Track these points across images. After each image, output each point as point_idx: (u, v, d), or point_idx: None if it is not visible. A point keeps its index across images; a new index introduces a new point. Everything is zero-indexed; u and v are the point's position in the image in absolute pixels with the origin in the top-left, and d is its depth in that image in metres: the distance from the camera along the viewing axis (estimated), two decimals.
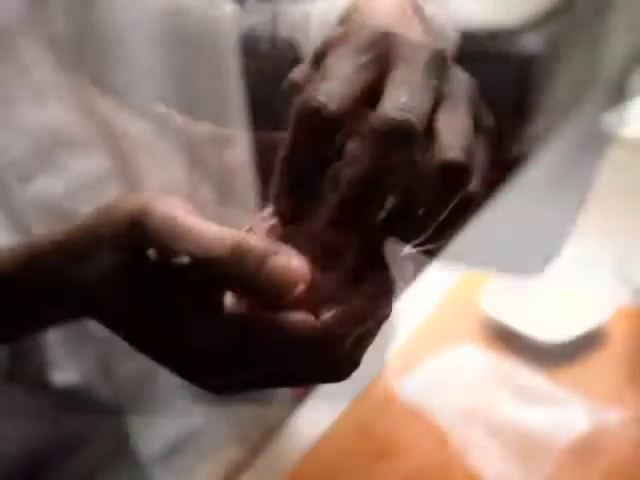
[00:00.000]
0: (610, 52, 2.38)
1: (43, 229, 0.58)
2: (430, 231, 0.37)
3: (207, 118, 0.73)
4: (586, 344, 0.81)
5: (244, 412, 0.83)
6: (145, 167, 0.67)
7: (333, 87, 0.34)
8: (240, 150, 0.77)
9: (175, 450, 0.77)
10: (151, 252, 0.35)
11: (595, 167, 1.23)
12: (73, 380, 0.66)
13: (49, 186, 0.60)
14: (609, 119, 1.35)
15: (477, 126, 0.37)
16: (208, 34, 0.71)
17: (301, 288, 0.34)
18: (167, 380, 0.74)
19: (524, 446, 0.70)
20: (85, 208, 0.60)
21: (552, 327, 0.81)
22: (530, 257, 0.99)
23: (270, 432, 0.86)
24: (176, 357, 0.38)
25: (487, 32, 1.00)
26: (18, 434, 0.68)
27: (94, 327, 0.65)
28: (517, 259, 0.99)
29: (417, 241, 0.37)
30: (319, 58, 0.40)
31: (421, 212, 0.35)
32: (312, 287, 0.35)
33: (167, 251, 0.35)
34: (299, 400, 0.93)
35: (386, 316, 0.38)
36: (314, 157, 0.35)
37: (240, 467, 0.81)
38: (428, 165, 0.34)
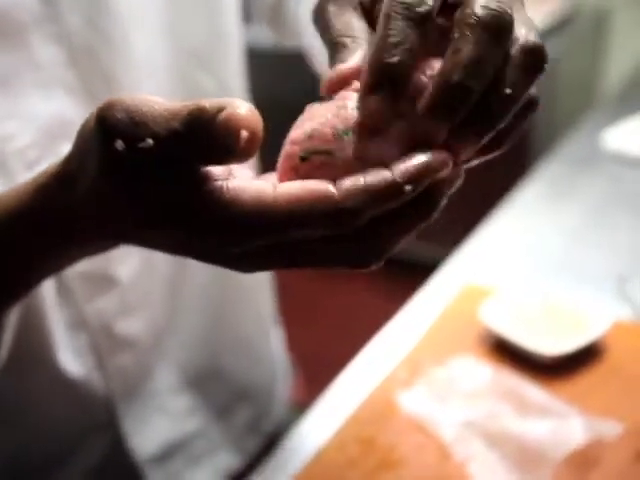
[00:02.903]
0: (610, 69, 2.39)
1: None
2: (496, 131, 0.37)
3: None
4: (584, 358, 0.82)
5: (240, 418, 0.83)
6: None
7: None
8: None
9: (170, 453, 0.77)
10: (118, 144, 0.35)
11: (595, 182, 1.24)
12: (71, 370, 0.67)
13: None
14: (609, 135, 1.36)
15: None
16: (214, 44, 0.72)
17: (244, 135, 0.34)
18: (162, 380, 0.76)
19: (523, 458, 0.71)
20: None
21: (551, 340, 0.82)
22: (530, 270, 1.01)
23: (266, 440, 0.86)
24: (186, 242, 0.38)
25: None
26: (14, 439, 0.69)
27: (89, 316, 0.66)
28: (517, 271, 1.01)
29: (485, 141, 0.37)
30: None
31: (505, 98, 0.36)
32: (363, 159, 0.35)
33: (131, 137, 0.35)
34: (297, 409, 0.93)
35: (425, 212, 0.37)
36: (409, 53, 0.35)
37: (235, 474, 0.82)
38: (510, 52, 0.36)
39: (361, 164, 0.36)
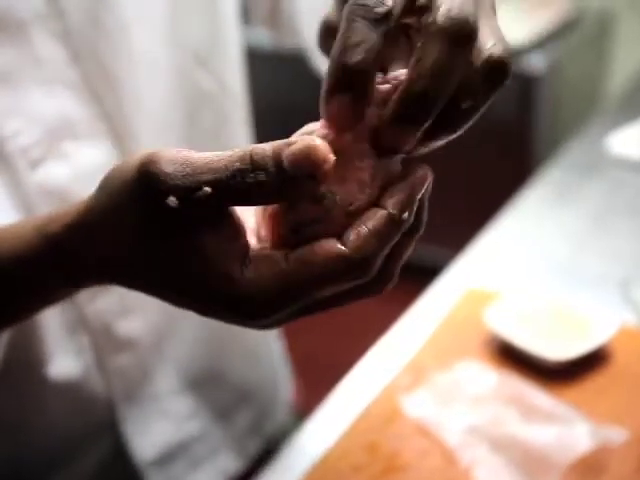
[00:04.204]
0: (613, 73, 2.39)
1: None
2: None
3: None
4: (590, 363, 0.82)
5: (241, 420, 0.83)
6: None
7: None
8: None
9: (171, 456, 0.77)
10: (170, 200, 0.35)
11: (599, 187, 1.24)
12: (70, 372, 0.67)
13: (56, 172, 0.62)
14: (613, 139, 1.35)
15: None
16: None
17: (329, 164, 0.34)
18: (163, 382, 0.75)
19: (528, 464, 0.71)
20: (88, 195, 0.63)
21: (556, 345, 0.81)
22: (535, 274, 1.00)
23: (268, 442, 0.86)
24: (206, 301, 0.38)
25: None
26: (13, 444, 0.68)
27: (89, 316, 0.66)
28: (522, 275, 1.00)
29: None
30: None
31: (464, 110, 0.36)
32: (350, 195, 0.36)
33: (186, 189, 0.35)
34: (297, 412, 0.93)
35: (417, 228, 0.38)
36: (369, 53, 0.34)
37: (236, 477, 0.81)
38: (475, 63, 0.36)
39: (349, 214, 0.36)
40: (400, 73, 0.37)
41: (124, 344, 0.70)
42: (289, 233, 0.37)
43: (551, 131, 2.08)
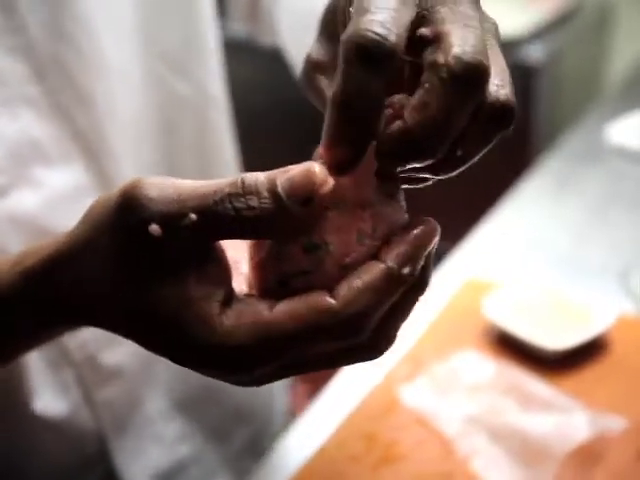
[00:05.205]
0: (613, 63, 2.38)
1: (19, 245, 0.56)
2: None
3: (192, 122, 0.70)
4: (588, 352, 0.82)
5: (237, 440, 0.79)
6: (125, 180, 0.65)
7: (386, 18, 0.31)
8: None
9: (164, 478, 0.73)
10: (153, 227, 0.32)
11: (598, 177, 1.24)
12: (56, 409, 0.63)
13: (24, 201, 0.58)
14: (612, 129, 1.35)
15: None
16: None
17: (327, 188, 0.31)
18: (153, 407, 0.71)
19: (527, 453, 0.71)
20: (61, 223, 0.56)
21: (555, 335, 0.81)
22: (533, 263, 1.00)
23: (265, 457, 0.82)
24: (179, 347, 0.34)
25: None
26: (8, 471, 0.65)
27: (73, 349, 0.63)
28: (520, 265, 1.00)
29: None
30: (327, 21, 0.38)
31: (462, 155, 0.34)
32: (346, 245, 0.33)
33: (171, 216, 0.31)
34: (297, 415, 0.91)
35: (420, 287, 0.34)
36: (371, 97, 0.31)
37: None
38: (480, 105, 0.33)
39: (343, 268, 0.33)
40: (399, 98, 0.33)
41: (111, 375, 0.66)
42: (276, 285, 0.33)
43: (550, 121, 2.08)
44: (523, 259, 1.03)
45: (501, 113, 0.33)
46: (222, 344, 0.32)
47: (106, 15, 0.59)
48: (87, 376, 0.65)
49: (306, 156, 0.35)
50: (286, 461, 0.75)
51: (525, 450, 0.71)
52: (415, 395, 0.78)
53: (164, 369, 0.71)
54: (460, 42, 0.31)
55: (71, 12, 0.57)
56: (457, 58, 0.30)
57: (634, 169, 1.25)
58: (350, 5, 0.33)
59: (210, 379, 0.79)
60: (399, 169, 0.33)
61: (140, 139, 0.65)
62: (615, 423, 0.72)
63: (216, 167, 0.73)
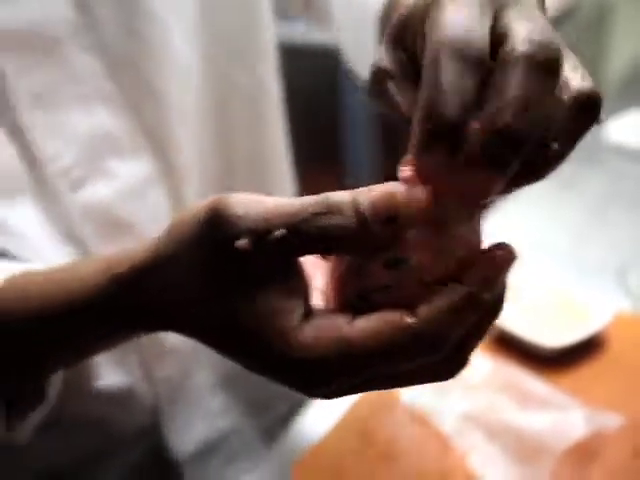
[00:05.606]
0: (611, 62, 2.39)
1: (92, 234, 0.60)
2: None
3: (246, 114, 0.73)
4: (585, 350, 0.82)
5: (275, 412, 0.84)
6: (187, 170, 0.67)
7: (471, 25, 0.31)
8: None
9: (207, 452, 0.78)
10: (241, 242, 0.33)
11: (596, 175, 1.24)
12: (119, 384, 0.67)
13: (98, 193, 0.61)
14: (611, 127, 1.35)
15: None
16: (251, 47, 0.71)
17: (410, 209, 0.31)
18: (201, 382, 0.77)
19: (524, 450, 0.71)
20: (131, 212, 0.62)
21: (552, 332, 0.82)
22: (531, 262, 1.00)
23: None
24: (272, 364, 0.35)
25: None
26: (59, 440, 0.69)
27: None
28: (518, 263, 1.00)
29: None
30: (397, 33, 0.38)
31: (552, 152, 0.33)
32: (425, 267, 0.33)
33: (258, 232, 0.33)
34: None
35: (495, 310, 0.35)
36: (464, 100, 0.30)
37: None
38: (563, 98, 0.32)
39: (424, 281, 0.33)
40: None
41: (169, 352, 0.70)
42: (356, 298, 0.34)
43: None
44: (521, 257, 1.03)
45: (590, 103, 0.33)
46: (300, 357, 0.33)
47: (174, 11, 0.62)
48: (149, 354, 0.69)
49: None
50: (283, 457, 0.75)
51: (522, 447, 0.71)
52: (413, 392, 0.79)
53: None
54: (528, 30, 0.31)
55: (142, 9, 0.59)
56: (526, 40, 0.31)
57: (633, 167, 1.25)
58: (428, 16, 0.33)
59: None
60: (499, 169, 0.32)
61: (201, 130, 0.68)
62: (612, 420, 0.72)
63: (269, 159, 0.77)
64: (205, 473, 0.77)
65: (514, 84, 0.30)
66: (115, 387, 0.66)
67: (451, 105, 0.30)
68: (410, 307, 0.33)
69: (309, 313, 0.34)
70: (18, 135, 0.56)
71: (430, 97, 0.31)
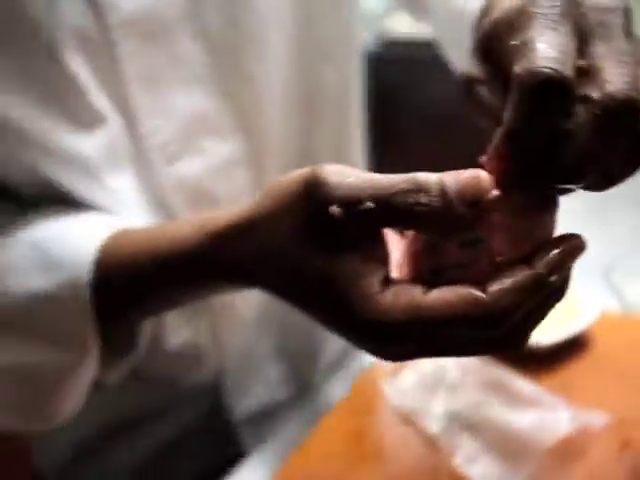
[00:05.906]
0: None
1: (182, 205, 0.65)
2: None
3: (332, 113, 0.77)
4: (571, 348, 0.82)
5: (323, 392, 0.86)
6: (271, 154, 0.71)
7: (560, 54, 0.33)
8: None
9: (263, 414, 0.82)
10: (334, 209, 0.36)
11: None
12: (187, 344, 0.70)
13: (191, 167, 0.65)
14: None
15: None
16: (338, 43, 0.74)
17: (493, 195, 0.34)
18: (262, 351, 0.81)
19: (509, 448, 0.71)
20: (218, 188, 0.67)
21: (537, 331, 0.81)
22: None
23: None
24: (351, 323, 0.38)
25: None
26: (119, 396, 0.73)
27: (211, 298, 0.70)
28: None
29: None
30: (485, 43, 0.41)
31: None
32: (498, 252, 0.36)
33: (350, 200, 0.35)
34: None
35: (558, 294, 0.39)
36: (544, 131, 0.34)
37: None
38: None
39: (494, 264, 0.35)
40: None
41: (239, 321, 0.74)
42: (429, 273, 0.37)
43: None
44: None
45: None
46: (379, 319, 0.36)
47: (273, 6, 0.66)
48: (218, 318, 0.73)
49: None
50: (267, 457, 0.75)
51: (507, 445, 0.71)
52: (398, 391, 0.78)
53: (275, 320, 0.80)
54: (614, 79, 0.33)
55: (244, 4, 0.63)
56: (611, 95, 0.33)
57: None
58: (511, 34, 0.36)
59: (312, 335, 0.85)
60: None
61: (287, 119, 0.72)
62: (597, 419, 0.72)
63: (346, 154, 0.81)
64: (260, 435, 0.80)
65: (586, 134, 0.34)
66: (185, 346, 0.70)
67: (535, 138, 0.33)
68: (480, 284, 0.35)
69: (388, 280, 0.37)
70: (126, 111, 0.61)
71: (512, 125, 0.34)
